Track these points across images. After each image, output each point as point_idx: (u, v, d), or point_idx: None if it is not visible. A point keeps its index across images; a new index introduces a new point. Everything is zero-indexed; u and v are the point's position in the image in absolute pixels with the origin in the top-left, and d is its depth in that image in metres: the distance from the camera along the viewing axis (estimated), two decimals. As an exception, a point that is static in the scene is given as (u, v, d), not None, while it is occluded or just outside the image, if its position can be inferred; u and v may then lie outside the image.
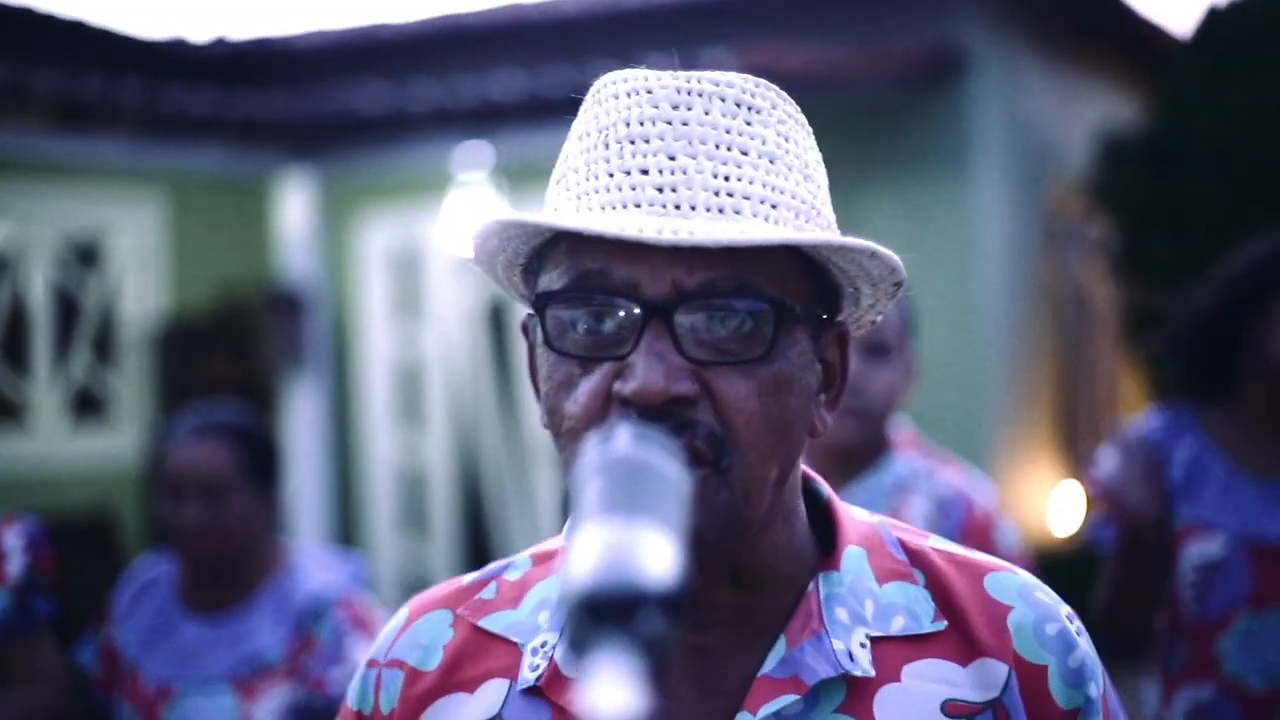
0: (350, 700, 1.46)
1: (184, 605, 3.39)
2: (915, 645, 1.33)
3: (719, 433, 1.25)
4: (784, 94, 1.35)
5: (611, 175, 1.30)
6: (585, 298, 1.27)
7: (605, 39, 9.47)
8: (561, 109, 7.19)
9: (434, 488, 10.21)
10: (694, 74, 1.32)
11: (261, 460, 3.38)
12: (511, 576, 1.43)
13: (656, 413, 1.23)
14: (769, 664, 1.31)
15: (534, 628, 1.38)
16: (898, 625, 1.34)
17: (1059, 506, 9.93)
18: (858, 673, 1.30)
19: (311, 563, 3.46)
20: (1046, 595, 1.38)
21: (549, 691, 1.33)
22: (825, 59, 8.33)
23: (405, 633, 1.44)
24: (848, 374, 1.39)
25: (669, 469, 1.05)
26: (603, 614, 0.90)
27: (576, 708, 1.29)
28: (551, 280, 1.31)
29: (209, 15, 26.33)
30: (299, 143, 9.15)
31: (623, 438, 1.07)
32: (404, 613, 1.47)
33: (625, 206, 1.28)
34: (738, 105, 1.31)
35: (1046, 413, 10.16)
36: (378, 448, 10.38)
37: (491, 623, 1.40)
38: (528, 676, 1.35)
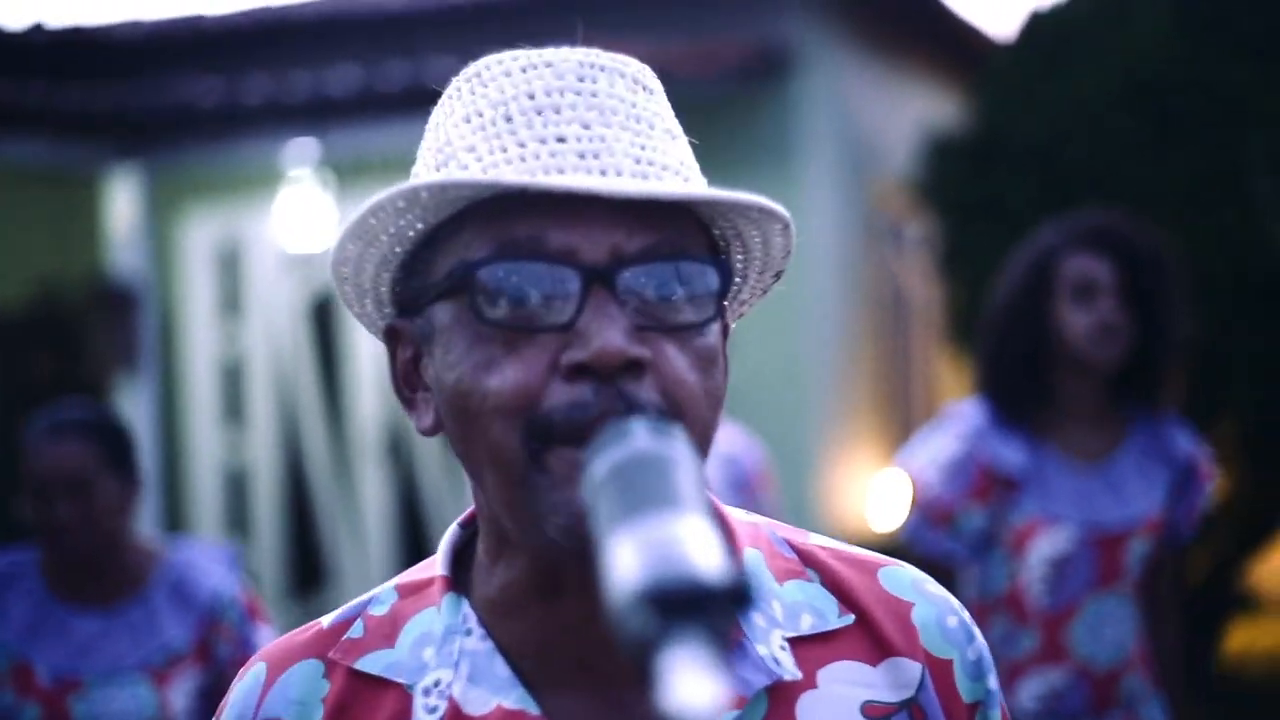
0: None
1: (64, 599, 3.44)
2: (826, 646, 1.28)
3: (665, 409, 1.18)
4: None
5: (524, 145, 1.22)
6: (518, 266, 1.19)
7: (441, 34, 9.43)
8: (396, 104, 7.16)
9: (258, 487, 10.08)
10: (590, 50, 1.28)
11: (120, 450, 3.43)
12: (378, 611, 1.32)
13: (612, 380, 1.16)
14: None
15: (420, 666, 1.27)
16: (807, 624, 1.29)
17: (878, 500, 10.05)
18: (787, 677, 1.24)
19: (198, 556, 3.58)
20: (936, 588, 1.35)
21: None
22: (658, 55, 8.35)
23: (272, 689, 1.31)
24: (728, 367, 1.29)
25: (688, 458, 1.03)
26: (674, 609, 0.87)
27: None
28: (467, 253, 1.21)
29: (27, 2, 25.75)
30: (126, 137, 8.98)
31: (639, 432, 1.04)
32: (260, 666, 1.33)
33: (548, 172, 1.20)
34: (635, 82, 1.27)
35: (871, 409, 10.30)
36: (202, 446, 10.22)
37: (369, 664, 1.29)
38: (425, 719, 1.25)
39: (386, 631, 1.29)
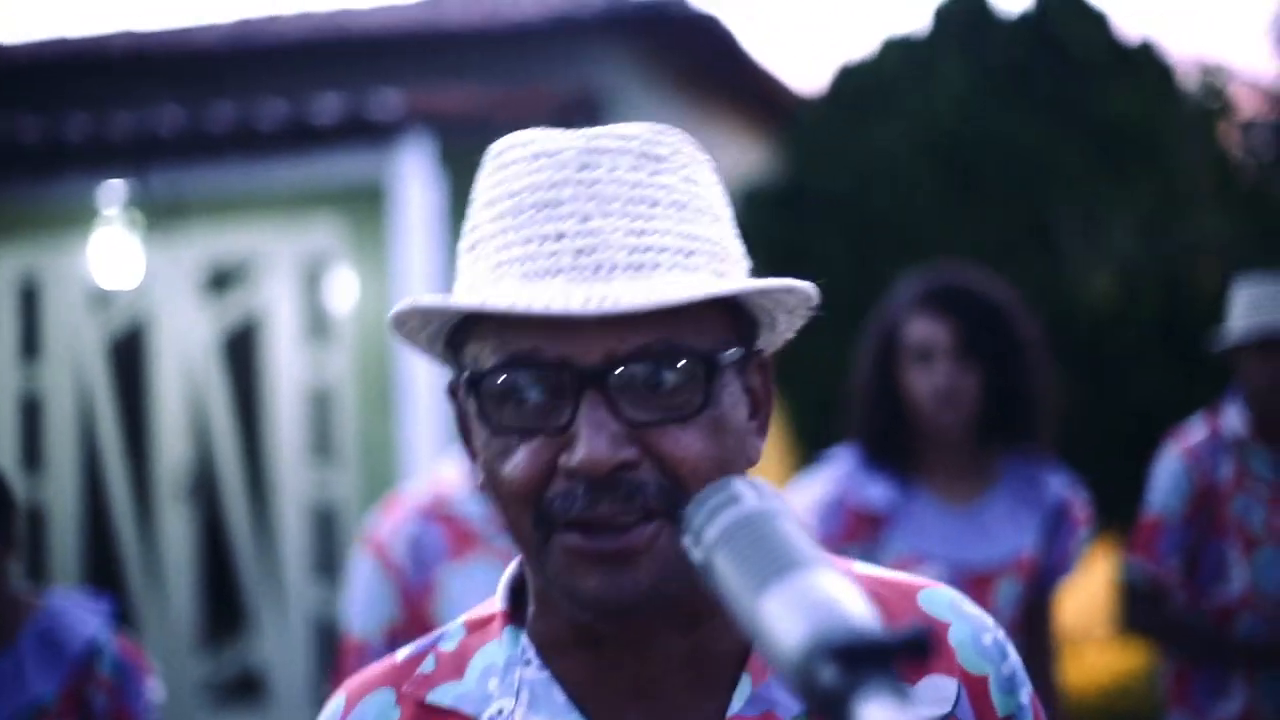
0: None
1: None
2: None
3: (667, 486, 1.26)
4: (685, 135, 1.37)
5: (528, 242, 1.29)
6: (517, 377, 1.27)
7: (270, 75, 9.37)
8: (220, 145, 7.09)
9: (57, 528, 9.85)
10: (596, 130, 1.33)
11: None
12: (447, 647, 1.40)
13: (605, 481, 1.25)
14: (737, 703, 1.33)
15: (485, 696, 1.35)
16: None
17: None
18: None
19: (71, 606, 3.36)
20: (972, 608, 1.43)
21: None
22: (477, 101, 8.42)
23: (349, 717, 1.39)
24: (772, 397, 1.40)
25: (791, 512, 1.09)
26: (861, 662, 0.91)
27: None
28: (480, 356, 1.30)
29: None
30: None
31: (745, 492, 1.09)
32: (340, 698, 1.42)
33: (546, 275, 1.27)
34: (643, 156, 1.32)
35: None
36: None
37: (439, 696, 1.37)
38: None
39: (456, 665, 1.38)
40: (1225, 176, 9.85)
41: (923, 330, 3.53)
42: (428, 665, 1.39)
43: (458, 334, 1.34)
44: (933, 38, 10.09)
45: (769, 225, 9.96)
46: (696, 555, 1.11)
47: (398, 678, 1.40)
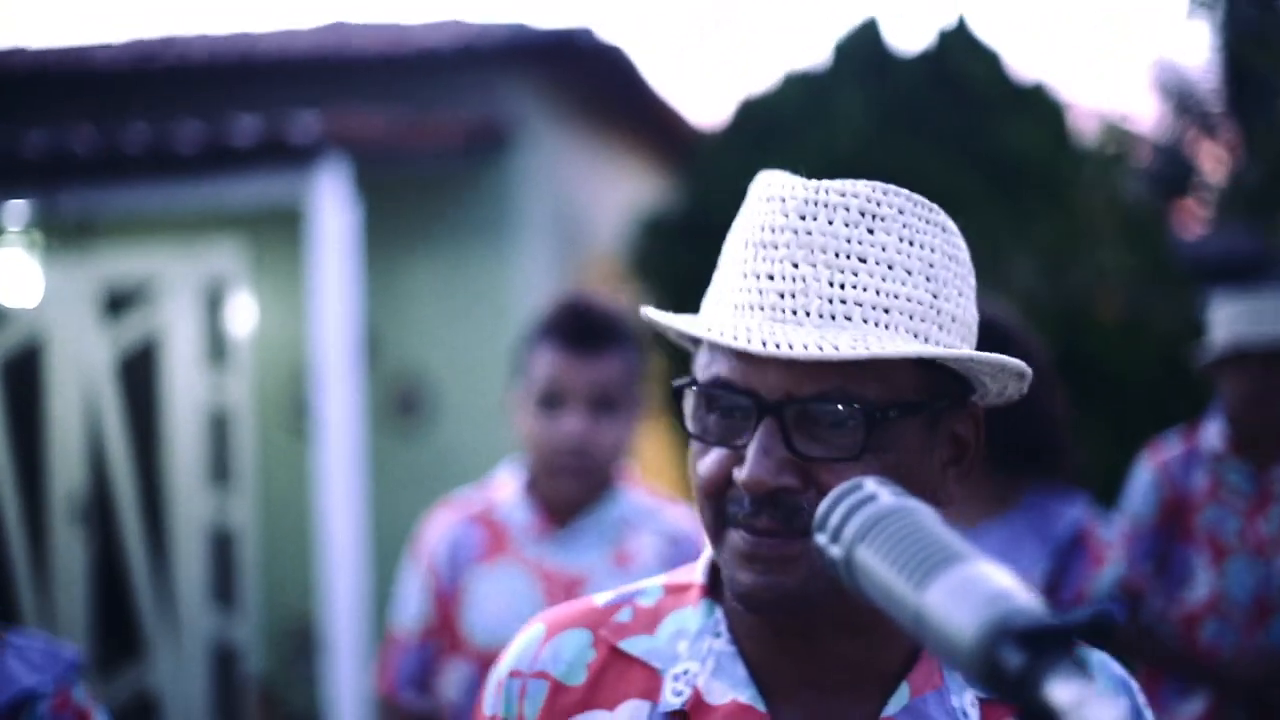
0: (489, 708, 1.54)
1: None
2: (1003, 709, 1.45)
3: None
4: (916, 197, 1.45)
5: (745, 277, 1.43)
6: (713, 395, 1.43)
7: (189, 97, 9.31)
8: (135, 166, 7.00)
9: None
10: (825, 184, 1.43)
11: None
12: (645, 603, 1.55)
13: (766, 498, 1.40)
14: (891, 708, 1.44)
15: (673, 655, 1.49)
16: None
17: None
18: None
19: (18, 651, 3.16)
20: (1097, 652, 1.52)
21: (694, 716, 1.45)
22: (395, 126, 8.44)
23: (547, 646, 1.53)
24: (980, 443, 1.50)
25: (928, 508, 1.17)
26: (1046, 646, 0.97)
27: None
28: (699, 368, 1.47)
29: None
30: None
31: (881, 490, 1.18)
32: (539, 627, 1.56)
33: (751, 309, 1.42)
34: (861, 214, 1.42)
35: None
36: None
37: (631, 646, 1.51)
38: (671, 701, 1.46)
39: (650, 621, 1.53)
40: (1121, 215, 10.12)
41: None
42: (624, 615, 1.54)
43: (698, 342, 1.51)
44: (832, 73, 10.27)
45: (671, 254, 10.07)
46: (834, 552, 1.18)
47: (596, 621, 1.55)
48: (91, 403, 9.44)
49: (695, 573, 1.57)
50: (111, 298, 9.47)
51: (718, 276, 1.48)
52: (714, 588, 1.54)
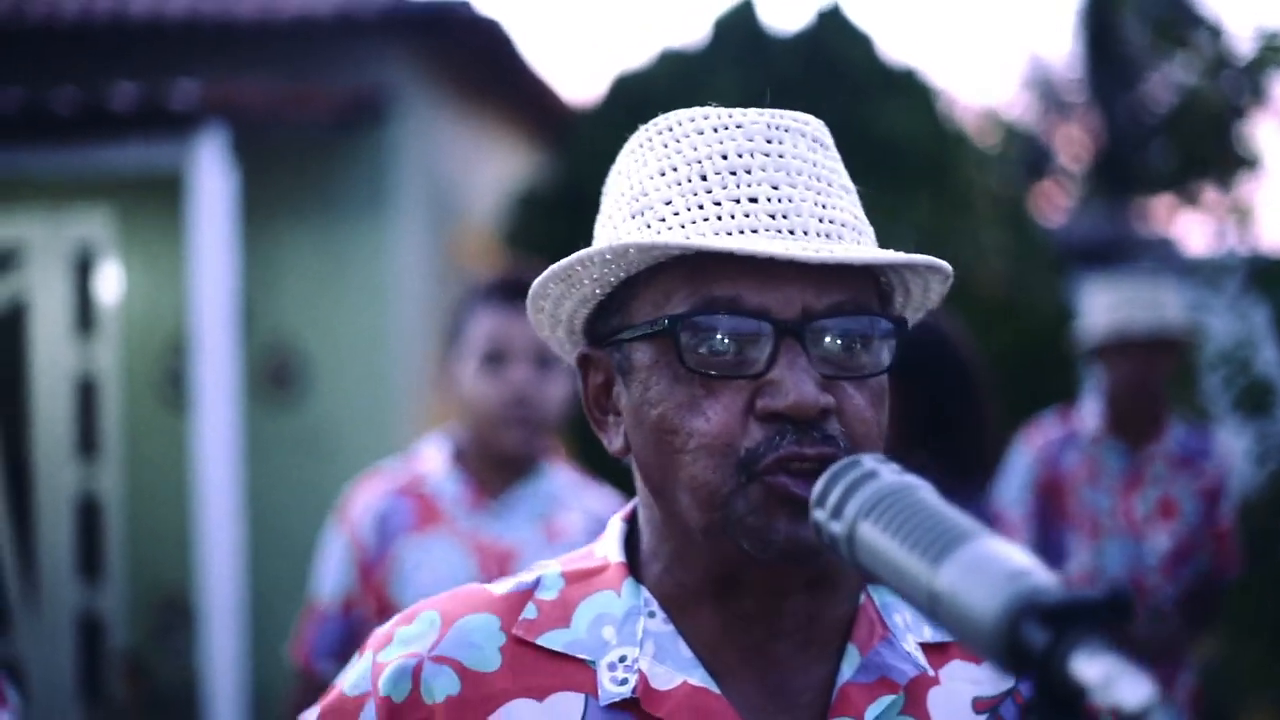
0: (381, 687, 1.39)
1: None
2: (943, 651, 1.43)
3: (848, 445, 1.32)
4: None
5: (719, 204, 1.35)
6: (718, 321, 1.32)
7: (62, 61, 9.13)
8: (8, 129, 6.84)
9: None
10: (775, 112, 1.42)
11: None
12: (547, 596, 1.43)
13: (811, 423, 1.30)
14: (847, 670, 1.39)
15: (601, 644, 1.38)
16: (928, 634, 1.44)
17: None
18: (931, 672, 1.40)
19: None
20: None
21: (646, 705, 1.35)
22: (274, 94, 8.37)
23: (450, 631, 1.40)
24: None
25: (929, 484, 1.15)
26: (1070, 621, 0.96)
27: (679, 719, 1.34)
28: (665, 306, 1.35)
29: None
30: None
31: (882, 468, 1.16)
32: (432, 614, 1.43)
33: (743, 232, 1.33)
34: (815, 140, 1.41)
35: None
36: None
37: (550, 640, 1.39)
38: (615, 690, 1.35)
39: (560, 614, 1.41)
40: (990, 196, 10.30)
41: None
42: (530, 612, 1.41)
43: (619, 294, 1.40)
44: (708, 51, 10.32)
45: (545, 227, 10.08)
46: (835, 528, 1.16)
47: (497, 608, 1.42)
48: (-45, 370, 9.27)
49: (605, 554, 1.45)
50: (-22, 263, 9.30)
51: (645, 218, 1.38)
52: (631, 568, 1.43)
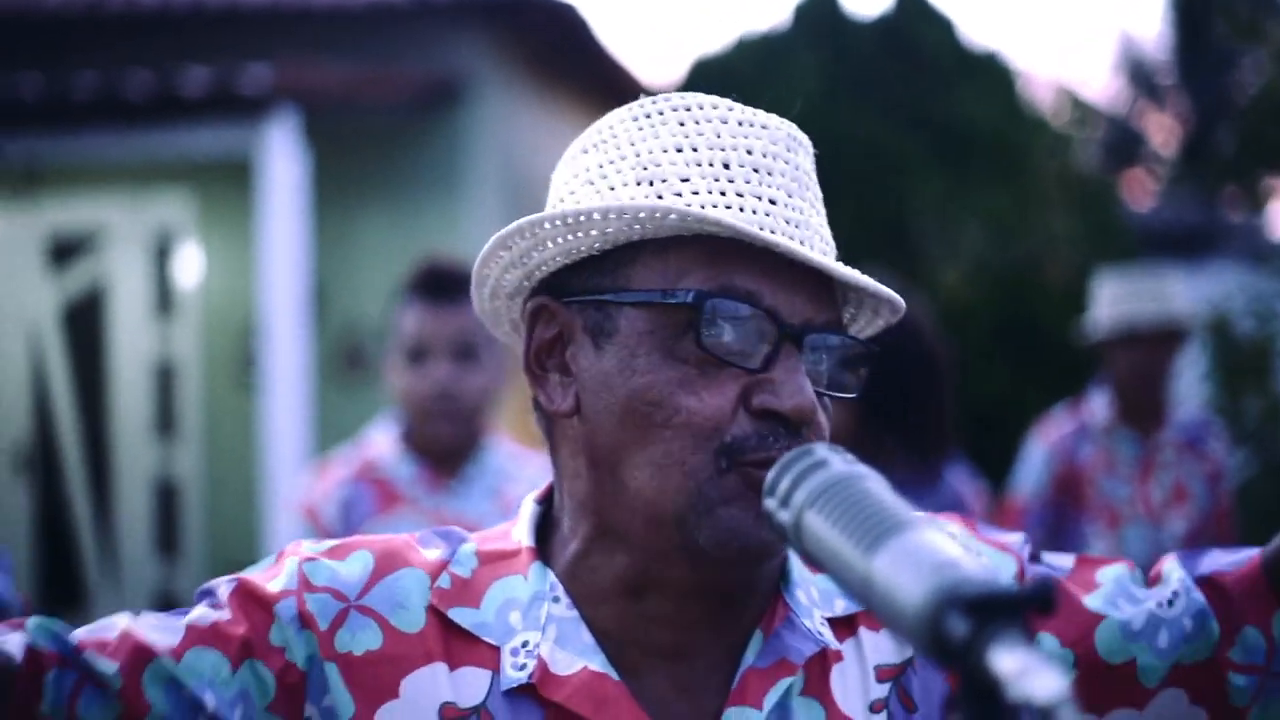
0: (308, 602, 1.36)
1: None
2: (848, 623, 1.43)
3: None
4: None
5: (742, 196, 1.35)
6: (739, 308, 1.32)
7: (138, 47, 9.22)
8: (84, 115, 6.95)
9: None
10: (789, 122, 1.42)
11: None
12: (460, 572, 1.41)
13: (799, 429, 1.32)
14: (750, 656, 1.38)
15: (507, 629, 1.37)
16: (839, 607, 1.43)
17: None
18: (832, 646, 1.39)
19: None
20: None
21: (542, 689, 1.34)
22: (340, 80, 8.40)
23: (380, 584, 1.39)
24: None
25: (879, 475, 1.15)
26: (991, 614, 0.96)
27: (575, 705, 1.34)
28: (679, 281, 1.34)
29: None
30: None
31: (831, 456, 1.16)
32: (367, 555, 1.40)
33: (762, 229, 1.33)
34: (808, 154, 1.42)
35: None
36: None
37: (460, 617, 1.38)
38: (515, 675, 1.35)
39: (470, 594, 1.39)
40: (1069, 181, 10.18)
41: None
42: (444, 581, 1.40)
43: (619, 253, 1.37)
44: (787, 35, 10.28)
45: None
46: (784, 517, 1.16)
47: (429, 570, 1.40)
48: (36, 352, 9.39)
49: (517, 537, 1.44)
50: (58, 247, 9.40)
51: (655, 188, 1.37)
52: (540, 551, 1.42)
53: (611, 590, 1.38)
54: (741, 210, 1.34)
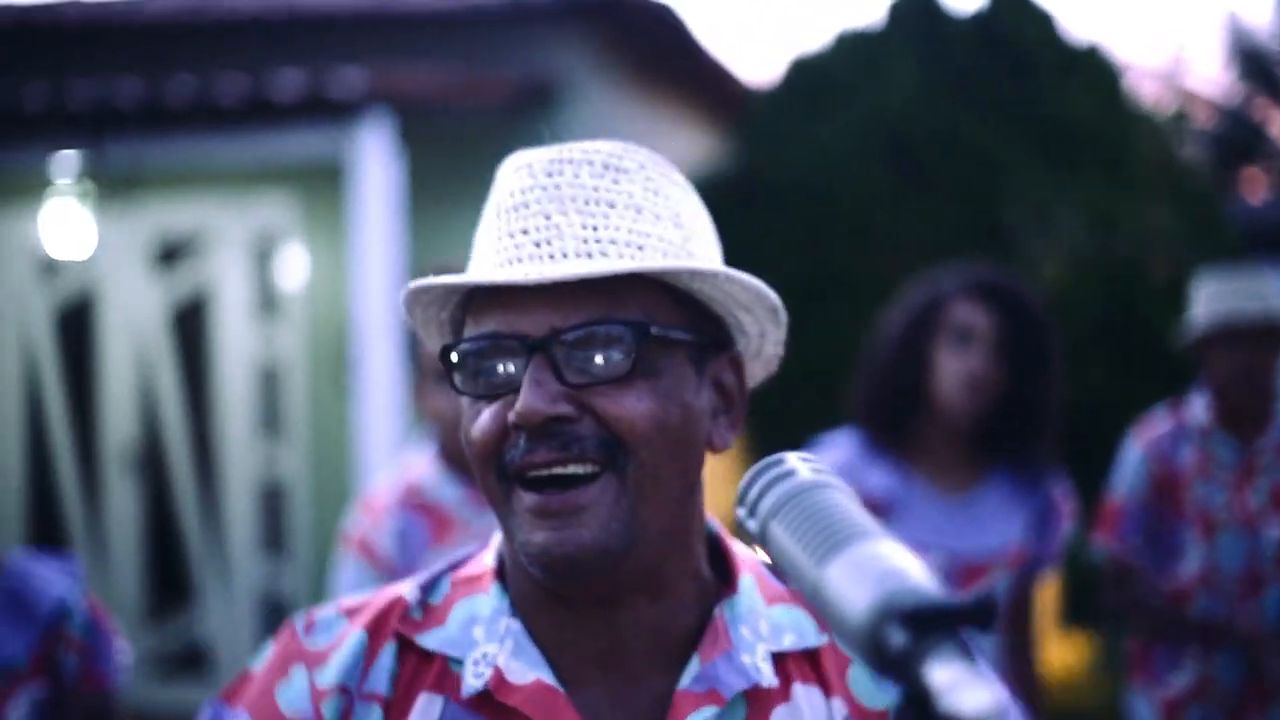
0: (325, 713, 1.48)
1: None
2: (804, 665, 1.48)
3: (609, 439, 1.41)
4: (655, 155, 1.52)
5: (499, 239, 1.47)
6: (480, 348, 1.44)
7: (228, 51, 9.36)
8: (181, 119, 7.06)
9: (1, 497, 9.83)
10: (569, 145, 1.50)
11: None
12: (434, 600, 1.53)
13: (541, 431, 1.40)
14: (685, 680, 1.45)
15: (469, 642, 1.48)
16: (789, 641, 1.48)
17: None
18: (765, 684, 1.44)
19: (38, 566, 3.25)
20: None
21: (498, 694, 1.44)
22: (440, 83, 8.47)
23: (375, 662, 1.51)
24: (745, 396, 1.54)
25: (845, 485, 1.17)
26: (929, 626, 0.97)
27: (527, 709, 1.43)
28: (467, 332, 1.48)
29: None
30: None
31: (800, 465, 1.19)
32: (361, 635, 1.52)
33: (511, 262, 1.44)
34: (605, 167, 1.48)
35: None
36: (-57, 454, 9.93)
37: (427, 640, 1.50)
38: (473, 684, 1.45)
39: (440, 614, 1.52)
40: (1173, 176, 10.03)
41: (967, 314, 3.60)
42: (416, 613, 1.52)
43: (459, 316, 1.52)
44: (886, 33, 10.22)
45: (719, 215, 10.02)
46: (751, 525, 1.19)
47: (400, 625, 1.52)
48: (143, 354, 9.55)
49: (486, 560, 1.56)
50: (163, 249, 9.56)
51: (474, 252, 1.51)
52: (503, 572, 1.54)
53: (542, 604, 1.48)
54: (499, 251, 1.46)
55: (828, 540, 1.09)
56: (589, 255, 1.43)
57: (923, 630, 0.97)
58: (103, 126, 8.24)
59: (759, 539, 1.18)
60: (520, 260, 1.44)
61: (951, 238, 9.12)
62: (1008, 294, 3.64)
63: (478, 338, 1.44)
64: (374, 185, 7.82)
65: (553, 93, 9.26)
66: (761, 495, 1.19)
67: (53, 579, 3.22)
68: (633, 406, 1.41)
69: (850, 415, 3.78)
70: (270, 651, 1.54)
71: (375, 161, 7.83)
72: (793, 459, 1.20)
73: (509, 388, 1.42)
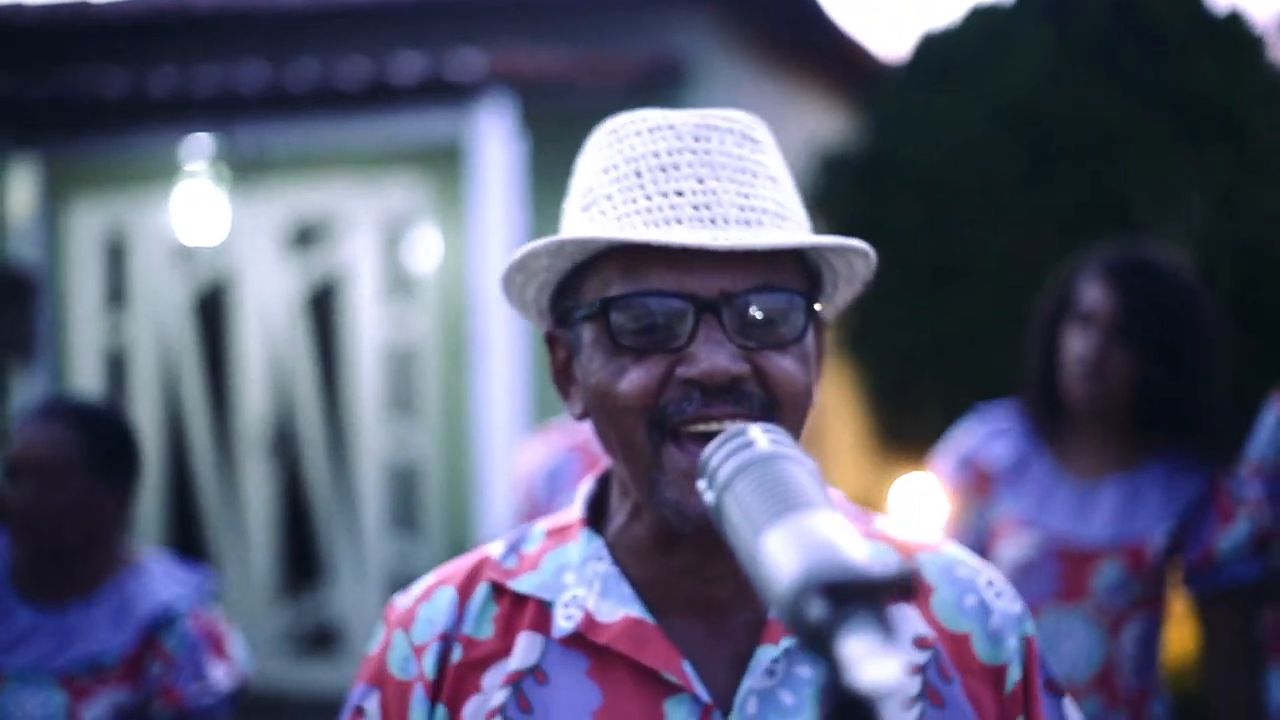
0: (427, 670, 1.59)
1: (19, 589, 3.19)
2: None
3: (768, 399, 1.49)
4: (766, 126, 1.62)
5: (650, 198, 1.52)
6: (647, 302, 1.49)
7: (353, 35, 9.45)
8: (304, 103, 7.14)
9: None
10: (706, 112, 1.58)
11: (110, 450, 3.17)
12: (528, 549, 1.65)
13: (720, 388, 1.47)
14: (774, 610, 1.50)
15: (560, 585, 1.59)
16: None
17: (911, 495, 9.78)
18: None
19: (160, 569, 3.26)
20: (969, 569, 1.62)
21: (589, 634, 1.54)
22: (560, 65, 8.47)
23: (465, 610, 1.61)
24: (825, 356, 1.62)
25: (803, 456, 1.20)
26: (849, 598, 0.98)
27: (618, 646, 1.53)
28: (606, 290, 1.52)
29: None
30: (26, 126, 8.91)
31: (760, 437, 1.22)
32: (450, 590, 1.63)
33: (669, 223, 1.50)
34: (744, 137, 1.56)
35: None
36: (84, 436, 10.09)
37: (520, 584, 1.60)
38: (564, 626, 1.56)
39: (533, 561, 1.63)
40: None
41: (1091, 296, 3.48)
42: (510, 561, 1.64)
43: (572, 279, 1.57)
44: (1017, 8, 10.05)
45: (848, 192, 9.98)
46: (709, 496, 1.23)
47: (492, 573, 1.63)
48: (277, 337, 9.68)
49: (574, 513, 1.66)
50: (295, 234, 9.69)
51: (591, 212, 1.55)
52: (592, 522, 1.65)
53: (647, 548, 1.58)
54: (649, 211, 1.51)
55: (769, 510, 1.10)
56: (747, 223, 1.51)
57: (840, 602, 0.98)
58: (229, 112, 8.36)
59: (714, 509, 1.20)
60: (680, 222, 1.50)
61: (1078, 215, 8.96)
62: (1138, 273, 3.48)
63: (645, 292, 1.49)
64: (494, 167, 7.85)
65: (678, 72, 9.22)
66: (719, 466, 1.21)
67: (166, 586, 3.21)
68: (792, 368, 1.50)
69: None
70: (379, 629, 1.66)
71: (496, 143, 7.85)
72: (754, 430, 1.24)
73: (670, 343, 1.48)
